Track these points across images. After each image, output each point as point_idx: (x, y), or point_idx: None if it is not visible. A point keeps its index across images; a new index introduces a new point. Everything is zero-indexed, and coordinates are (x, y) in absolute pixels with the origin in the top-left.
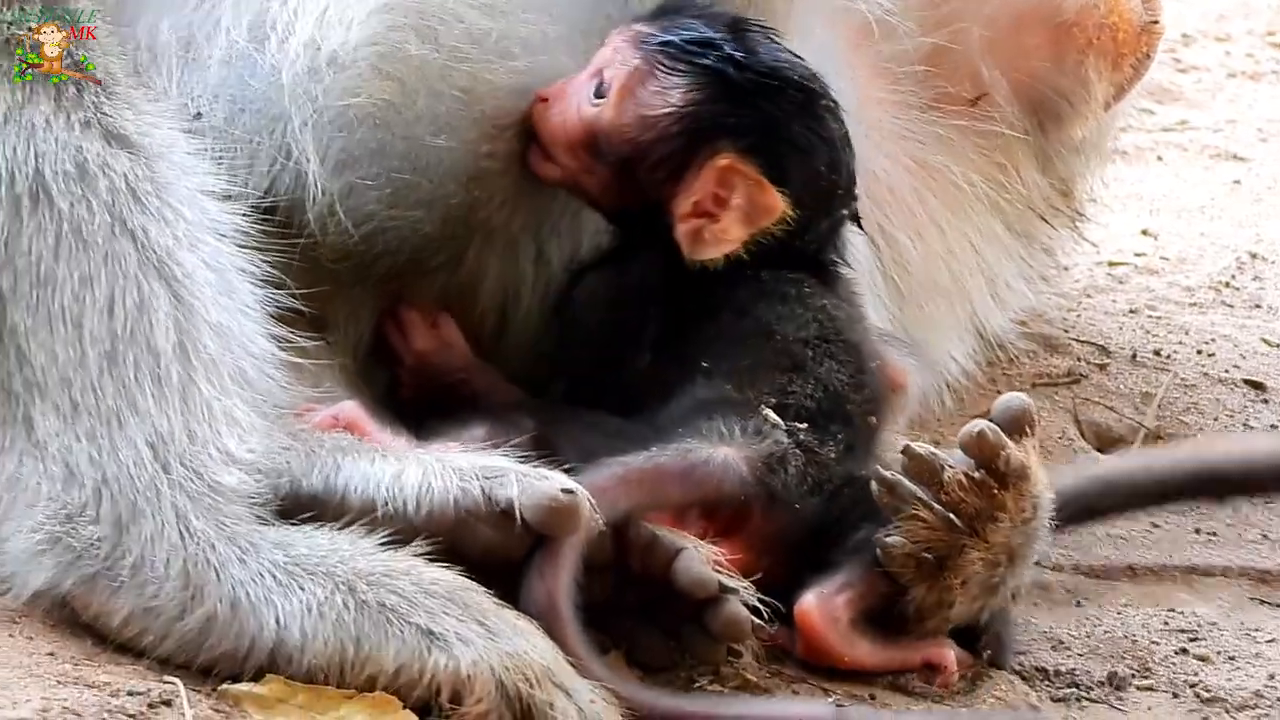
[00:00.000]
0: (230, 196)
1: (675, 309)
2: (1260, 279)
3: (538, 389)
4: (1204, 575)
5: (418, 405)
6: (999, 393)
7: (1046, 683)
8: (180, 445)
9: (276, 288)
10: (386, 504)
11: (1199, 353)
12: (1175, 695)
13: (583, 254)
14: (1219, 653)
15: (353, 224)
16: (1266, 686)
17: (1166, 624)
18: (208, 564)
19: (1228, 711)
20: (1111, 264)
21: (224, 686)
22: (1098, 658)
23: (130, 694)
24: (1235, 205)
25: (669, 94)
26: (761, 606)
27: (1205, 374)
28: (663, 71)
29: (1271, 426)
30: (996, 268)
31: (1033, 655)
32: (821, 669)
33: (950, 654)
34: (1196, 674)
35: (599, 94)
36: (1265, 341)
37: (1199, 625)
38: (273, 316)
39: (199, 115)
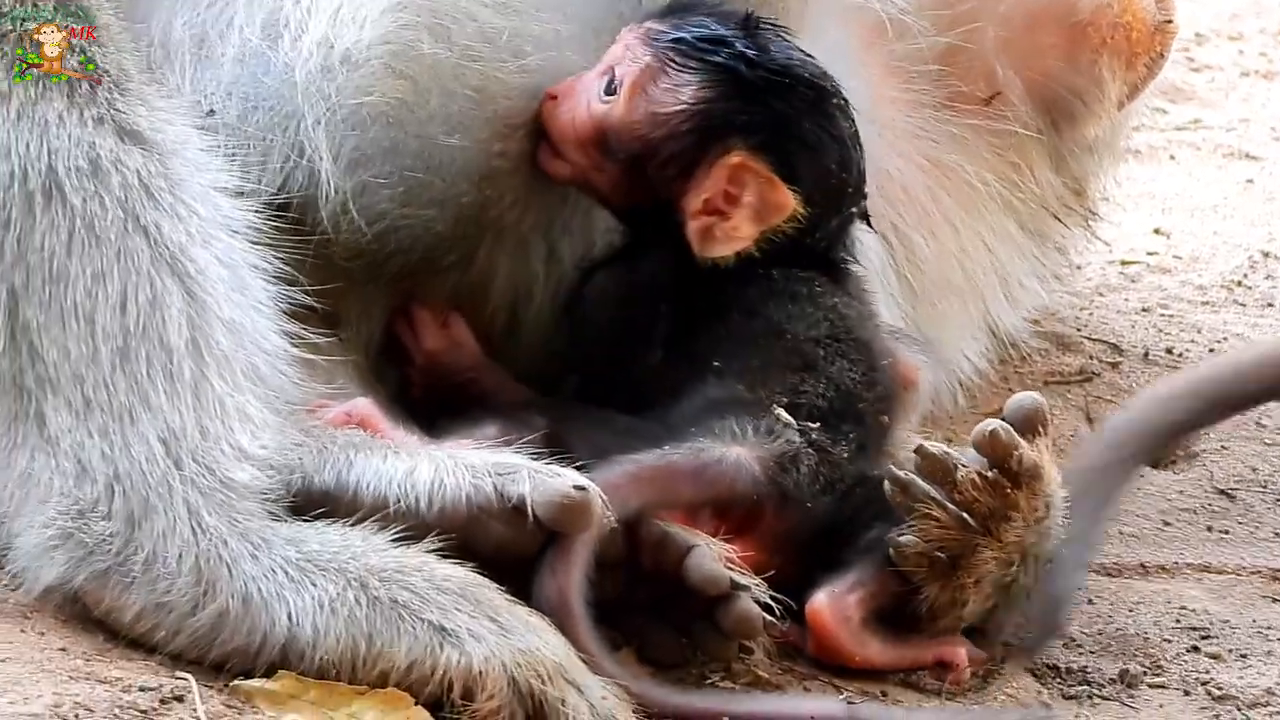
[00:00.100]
0: (243, 193)
1: (686, 307)
2: (1272, 278)
3: (548, 387)
4: (1216, 573)
5: (428, 404)
6: (1011, 391)
7: (1058, 680)
8: (192, 441)
9: (289, 284)
10: (399, 500)
11: (1211, 351)
12: (1187, 693)
13: (594, 253)
14: (1231, 650)
15: (366, 222)
16: (1278, 684)
17: (1178, 622)
18: (220, 560)
19: (1239, 709)
20: (1124, 263)
21: (236, 682)
22: (1109, 655)
23: (142, 689)
24: (1248, 204)
25: (680, 91)
26: (773, 604)
27: None
28: (674, 68)
29: None
30: (1009, 266)
31: (1045, 653)
32: (833, 666)
33: (962, 651)
34: (1208, 672)
35: (609, 91)
36: None
37: (1211, 623)
38: (285, 313)
39: (212, 112)
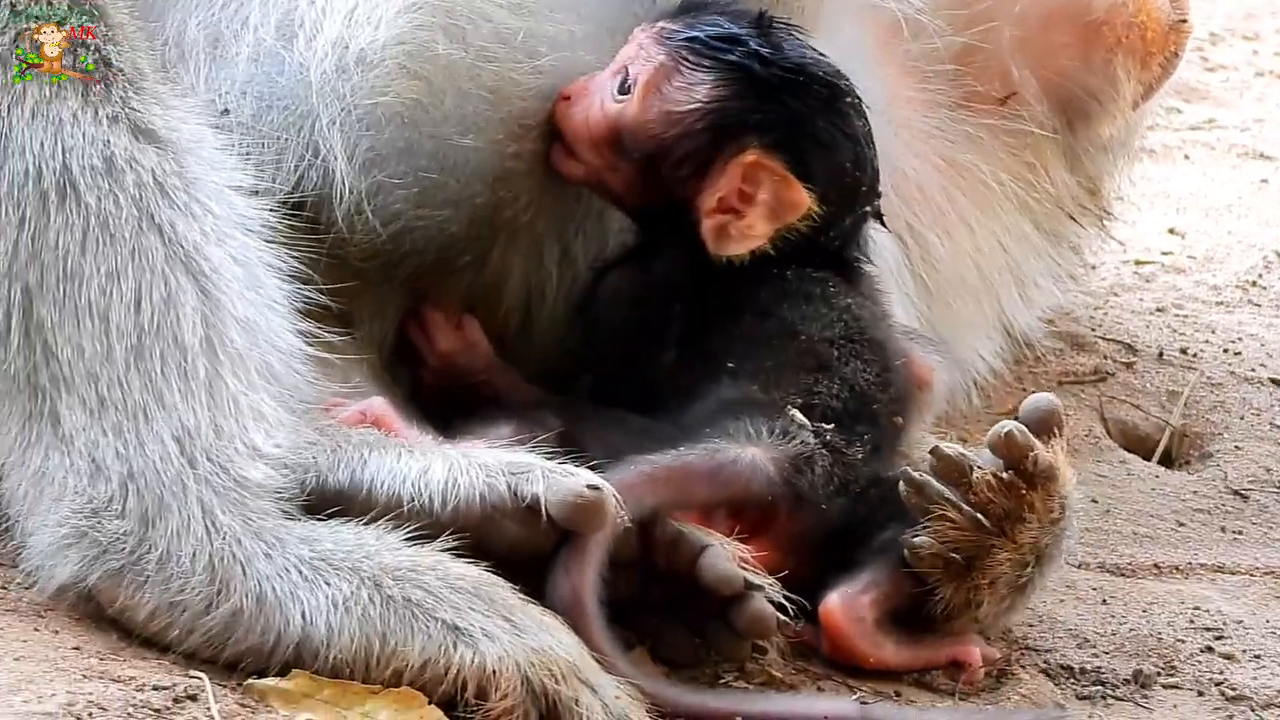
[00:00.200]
0: (258, 192)
1: (699, 307)
2: None
3: (561, 388)
4: (1230, 573)
5: (442, 405)
6: (1026, 391)
7: (1072, 680)
8: (207, 440)
9: (304, 283)
10: (412, 499)
11: (1225, 351)
12: (1200, 693)
13: (607, 253)
14: (1244, 651)
15: (380, 223)
16: None
17: (1192, 622)
18: (234, 559)
19: (1253, 710)
20: (1138, 262)
21: (249, 681)
22: (1123, 655)
23: (156, 688)
24: (1262, 204)
25: (694, 90)
26: (787, 603)
27: (1232, 373)
28: (688, 67)
29: None
30: (1024, 266)
31: (1058, 653)
32: (847, 666)
33: (976, 651)
34: (1222, 672)
35: (623, 90)
36: None
37: (1225, 623)
38: (300, 312)
39: (226, 111)
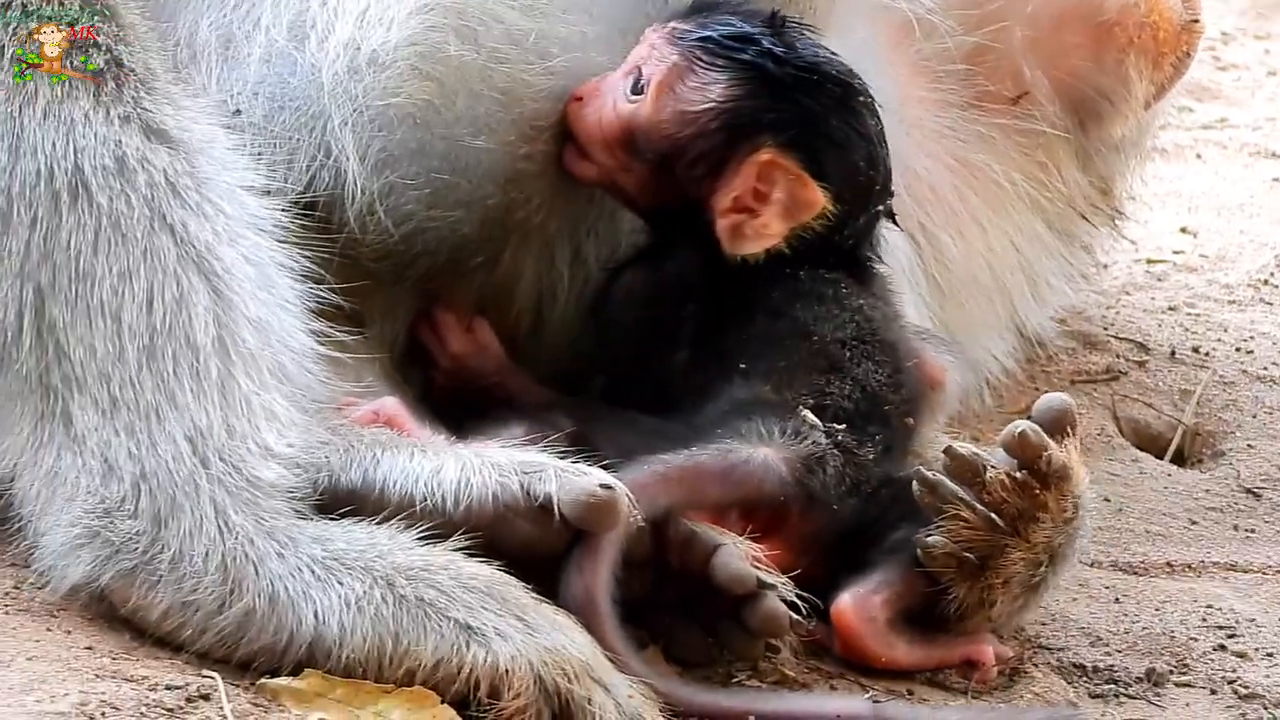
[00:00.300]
0: (269, 192)
1: (712, 306)
2: None
3: (572, 389)
4: (1242, 572)
5: (453, 406)
6: (1038, 390)
7: (1084, 679)
8: (219, 440)
9: (316, 283)
10: (425, 499)
11: (1238, 350)
12: (1213, 692)
13: (619, 255)
14: (1257, 649)
15: (392, 223)
16: None
17: (1205, 620)
18: (246, 558)
19: (1265, 708)
20: (1150, 261)
21: (262, 681)
22: (1136, 654)
23: (168, 688)
24: (1274, 203)
25: (709, 89)
26: (799, 602)
27: (1244, 371)
28: (702, 67)
29: None
30: (1037, 266)
31: (1071, 651)
32: (860, 665)
33: (989, 650)
34: (1234, 670)
35: (636, 91)
36: None
37: (1237, 622)
38: (312, 311)
39: (238, 112)
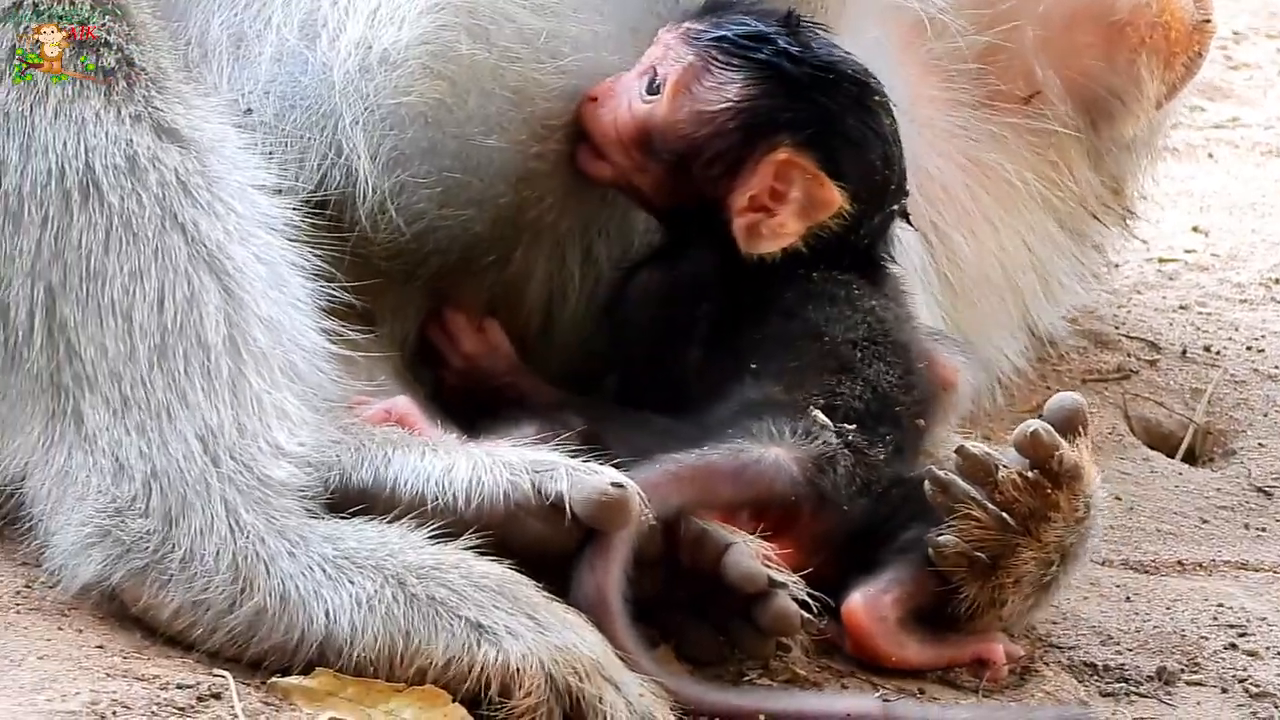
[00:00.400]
0: (281, 191)
1: (727, 306)
2: None
3: (583, 389)
4: (1253, 570)
5: (464, 405)
6: (1049, 389)
7: (1095, 677)
8: (230, 439)
9: (327, 281)
10: (436, 498)
11: (1249, 349)
12: (1224, 690)
13: (631, 254)
14: (1268, 648)
15: (404, 222)
16: None
17: (1215, 619)
18: (257, 557)
19: (1277, 706)
20: (1162, 260)
21: (273, 680)
22: (1147, 652)
23: (180, 687)
24: None
25: (725, 89)
26: (811, 601)
27: (1255, 370)
28: (718, 66)
29: None
30: (1048, 265)
31: (1082, 650)
32: (870, 664)
33: (1000, 649)
34: (1246, 669)
35: (651, 91)
36: None
37: (1248, 620)
38: (324, 310)
39: (249, 111)
